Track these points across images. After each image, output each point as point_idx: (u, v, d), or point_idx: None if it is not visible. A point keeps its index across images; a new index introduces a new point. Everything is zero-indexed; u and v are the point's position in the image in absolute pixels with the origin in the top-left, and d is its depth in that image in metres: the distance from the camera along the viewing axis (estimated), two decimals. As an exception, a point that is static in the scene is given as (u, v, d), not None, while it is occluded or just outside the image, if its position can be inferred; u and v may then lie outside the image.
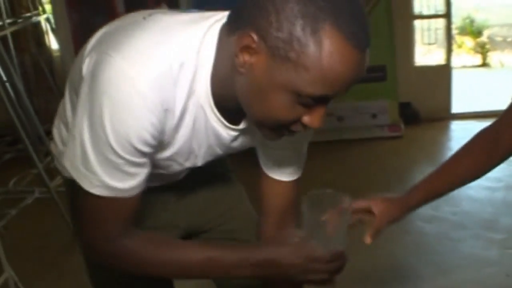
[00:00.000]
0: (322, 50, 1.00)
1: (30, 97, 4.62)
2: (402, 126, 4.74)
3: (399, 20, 4.76)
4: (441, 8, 5.10)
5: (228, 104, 1.19)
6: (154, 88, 1.08)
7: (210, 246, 1.37)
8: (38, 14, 4.52)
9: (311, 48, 1.00)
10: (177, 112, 1.15)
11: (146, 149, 1.13)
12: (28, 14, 4.52)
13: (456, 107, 5.24)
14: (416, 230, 3.35)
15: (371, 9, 4.41)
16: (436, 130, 4.98)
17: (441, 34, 5.30)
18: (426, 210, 3.13)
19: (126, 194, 1.18)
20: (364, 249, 1.63)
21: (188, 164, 1.33)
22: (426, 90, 5.05)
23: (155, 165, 1.25)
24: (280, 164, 1.46)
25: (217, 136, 1.27)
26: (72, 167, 1.16)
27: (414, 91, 5.01)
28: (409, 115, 4.94)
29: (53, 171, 3.99)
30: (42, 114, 4.86)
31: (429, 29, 5.40)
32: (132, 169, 1.16)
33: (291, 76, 1.03)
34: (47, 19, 4.02)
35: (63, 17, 3.70)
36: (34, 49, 4.93)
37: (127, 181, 1.17)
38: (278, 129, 1.14)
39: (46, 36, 5.13)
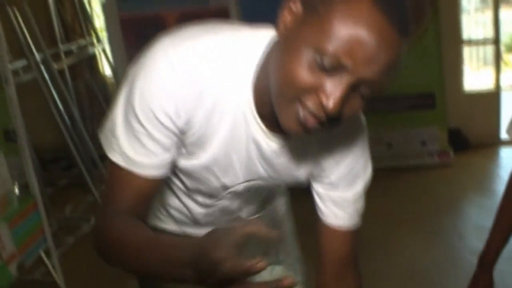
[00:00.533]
0: (350, 9, 0.94)
1: (84, 122, 4.73)
2: (452, 153, 4.72)
3: (448, 46, 4.76)
4: (489, 33, 5.09)
5: (268, 112, 1.14)
6: (188, 65, 1.11)
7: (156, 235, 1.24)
8: (93, 43, 4.63)
9: (340, 4, 0.95)
10: (209, 103, 1.15)
11: (167, 121, 1.13)
12: (83, 43, 4.64)
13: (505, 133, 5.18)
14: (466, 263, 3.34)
15: (420, 36, 4.42)
16: (485, 157, 4.95)
17: (490, 58, 5.26)
18: (474, 242, 3.15)
19: (138, 170, 1.18)
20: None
21: (227, 181, 1.31)
22: (475, 116, 5.03)
23: (192, 173, 1.28)
24: (335, 209, 1.40)
25: (258, 146, 1.23)
26: (102, 133, 1.21)
27: (463, 117, 4.99)
28: (459, 141, 4.92)
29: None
30: (96, 139, 4.96)
31: (478, 54, 5.39)
32: (150, 144, 1.16)
33: (316, 30, 0.97)
34: (103, 50, 4.12)
35: (119, 49, 3.78)
36: (88, 75, 5.05)
37: (142, 155, 1.17)
38: (294, 101, 1.03)
39: (100, 63, 5.27)
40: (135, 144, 1.16)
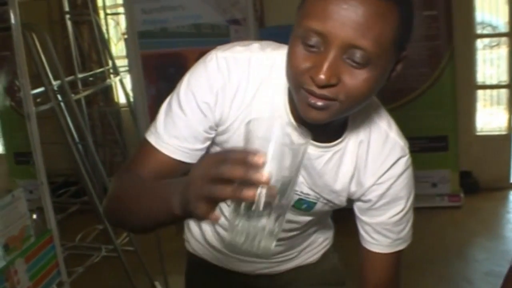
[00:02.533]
0: None
1: (97, 149, 4.75)
2: (462, 195, 4.73)
3: (462, 90, 4.78)
4: (504, 78, 5.12)
5: (301, 118, 1.16)
6: (231, 66, 1.23)
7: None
8: (109, 72, 4.66)
9: None
10: (246, 103, 1.24)
11: (206, 110, 1.23)
12: (100, 71, 4.66)
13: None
14: None
15: (435, 80, 4.46)
16: (496, 201, 4.94)
17: (503, 99, 5.29)
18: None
19: (161, 146, 1.26)
20: None
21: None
22: (486, 159, 5.03)
23: None
24: (375, 235, 1.42)
25: None
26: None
27: (475, 160, 5.00)
28: (469, 184, 4.92)
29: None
30: (107, 166, 4.97)
31: (491, 95, 5.41)
32: (184, 129, 1.24)
33: (299, 21, 1.08)
34: (120, 81, 4.14)
35: (139, 83, 3.82)
36: (103, 103, 5.08)
37: (173, 138, 1.25)
38: (299, 90, 1.09)
39: (115, 92, 5.30)
40: (170, 126, 1.26)
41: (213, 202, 0.90)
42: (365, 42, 1.02)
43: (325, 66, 1.03)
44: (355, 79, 1.05)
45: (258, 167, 0.84)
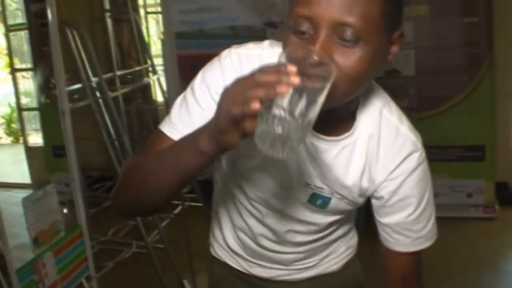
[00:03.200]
0: None
1: (132, 146, 4.80)
2: (497, 207, 4.65)
3: (501, 99, 4.70)
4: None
5: None
6: (244, 58, 1.26)
7: None
8: (147, 70, 4.70)
9: None
10: None
11: (217, 98, 1.16)
12: (139, 69, 4.71)
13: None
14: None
15: (474, 88, 4.39)
16: (531, 214, 4.86)
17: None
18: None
19: (175, 135, 1.26)
20: None
21: (284, 181, 1.36)
22: (523, 170, 4.95)
23: (251, 177, 1.37)
24: (394, 235, 1.42)
25: (305, 144, 1.30)
26: None
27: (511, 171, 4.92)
28: (505, 196, 4.84)
29: (151, 224, 4.13)
30: (142, 163, 5.02)
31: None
32: (198, 117, 1.24)
33: (290, 10, 1.11)
34: (158, 79, 4.19)
35: (174, 82, 3.86)
36: (141, 100, 5.14)
37: (187, 128, 1.22)
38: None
39: (153, 90, 5.36)
40: (185, 117, 1.27)
41: (243, 122, 0.94)
42: (352, 18, 1.04)
43: (317, 46, 1.05)
44: (348, 58, 1.06)
45: (290, 73, 0.90)
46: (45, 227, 2.53)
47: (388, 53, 1.17)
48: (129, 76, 4.63)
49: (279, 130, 0.92)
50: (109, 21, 4.78)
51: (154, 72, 4.21)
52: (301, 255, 1.57)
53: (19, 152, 6.51)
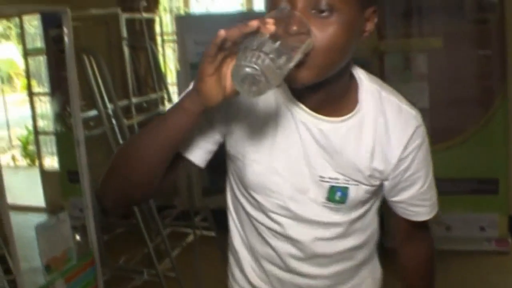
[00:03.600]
0: None
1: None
2: (510, 241, 4.62)
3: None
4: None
5: (306, 95, 1.31)
6: None
7: None
8: (163, 98, 4.75)
9: None
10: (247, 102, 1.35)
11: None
12: (154, 97, 4.76)
13: None
14: None
15: (487, 121, 4.39)
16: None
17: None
18: None
19: None
20: None
21: (295, 180, 1.38)
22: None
23: (261, 183, 1.38)
24: (414, 206, 1.49)
25: (308, 129, 1.34)
26: None
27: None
28: (518, 229, 4.81)
29: (163, 252, 4.15)
30: (156, 190, 5.03)
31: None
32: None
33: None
34: (172, 107, 4.22)
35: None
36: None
37: None
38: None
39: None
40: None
41: (220, 66, 1.06)
42: None
43: (294, 18, 1.11)
44: (324, 28, 1.14)
45: (267, 21, 1.01)
46: (57, 254, 2.55)
47: (364, 30, 1.24)
48: (145, 105, 4.67)
49: (251, 66, 0.98)
50: (126, 49, 4.83)
51: (170, 100, 4.25)
52: (328, 282, 1.55)
53: (35, 175, 6.55)
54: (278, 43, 1.01)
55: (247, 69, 0.98)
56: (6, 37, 11.61)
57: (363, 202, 1.45)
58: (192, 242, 4.37)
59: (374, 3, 1.24)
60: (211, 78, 1.06)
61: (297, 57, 1.07)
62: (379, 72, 4.15)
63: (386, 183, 1.44)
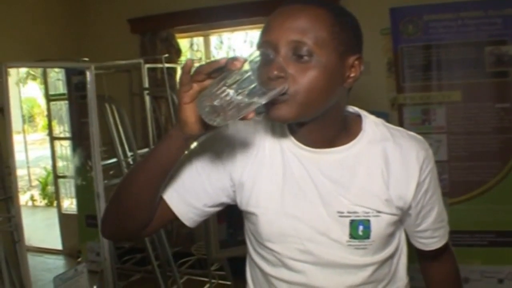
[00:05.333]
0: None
1: (164, 219, 4.82)
2: (529, 294, 4.57)
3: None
4: None
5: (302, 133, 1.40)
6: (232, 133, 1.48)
7: None
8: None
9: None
10: (253, 152, 1.45)
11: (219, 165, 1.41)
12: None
13: None
14: None
15: (506, 174, 4.37)
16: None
17: None
18: None
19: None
20: None
21: (310, 218, 1.38)
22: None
23: (277, 231, 1.40)
24: (436, 230, 1.55)
25: (316, 163, 1.38)
26: None
27: (544, 257, 4.82)
28: (538, 282, 4.75)
29: (178, 301, 4.14)
30: (173, 236, 5.04)
31: None
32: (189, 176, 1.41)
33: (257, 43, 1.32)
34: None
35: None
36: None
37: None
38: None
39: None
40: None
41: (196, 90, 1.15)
42: (305, 37, 1.24)
43: (274, 63, 1.21)
44: (303, 74, 1.25)
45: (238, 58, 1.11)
46: (75, 306, 2.57)
47: (348, 76, 1.32)
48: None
49: (219, 98, 1.07)
50: (147, 98, 4.89)
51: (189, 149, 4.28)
52: None
53: (53, 216, 6.58)
54: (250, 89, 1.11)
55: (207, 102, 1.07)
56: (32, 76, 11.77)
57: (389, 238, 1.45)
58: (208, 290, 4.36)
59: (358, 52, 1.34)
60: (189, 106, 1.16)
61: (268, 96, 1.17)
62: (398, 124, 4.16)
63: (411, 212, 1.46)
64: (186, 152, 1.29)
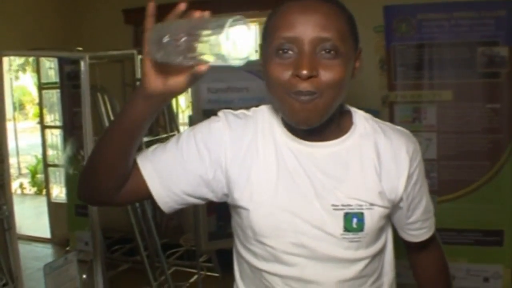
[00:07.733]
0: (279, 10, 1.32)
1: (154, 211, 4.84)
2: (514, 293, 4.61)
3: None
4: None
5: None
6: (228, 115, 1.50)
7: None
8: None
9: (275, 15, 1.32)
10: (246, 142, 1.44)
11: (201, 147, 1.41)
12: (165, 135, 4.80)
13: None
14: None
15: (494, 174, 4.40)
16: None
17: None
18: None
19: (142, 166, 1.39)
20: None
21: (304, 212, 1.38)
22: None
23: (273, 224, 1.38)
24: (425, 221, 1.59)
25: (309, 155, 1.39)
26: None
27: (530, 257, 4.86)
28: (523, 282, 4.79)
29: (166, 292, 4.15)
30: (162, 228, 5.05)
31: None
32: (171, 152, 1.41)
33: (269, 39, 1.31)
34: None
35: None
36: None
37: (156, 154, 1.41)
38: (286, 93, 1.27)
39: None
40: (158, 148, 1.42)
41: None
42: (329, 33, 1.25)
43: (305, 61, 1.24)
44: (331, 69, 1.26)
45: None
46: (64, 294, 2.58)
47: (354, 67, 1.37)
48: (155, 141, 4.70)
49: (170, 37, 1.06)
50: (139, 88, 4.88)
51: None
52: None
53: (42, 205, 6.58)
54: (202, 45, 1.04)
55: (158, 32, 1.08)
56: (24, 70, 11.74)
57: (379, 231, 1.46)
58: (195, 281, 4.37)
59: (359, 43, 1.39)
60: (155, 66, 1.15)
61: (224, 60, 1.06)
62: (389, 122, 4.18)
63: (402, 205, 1.48)
64: (151, 115, 1.25)
